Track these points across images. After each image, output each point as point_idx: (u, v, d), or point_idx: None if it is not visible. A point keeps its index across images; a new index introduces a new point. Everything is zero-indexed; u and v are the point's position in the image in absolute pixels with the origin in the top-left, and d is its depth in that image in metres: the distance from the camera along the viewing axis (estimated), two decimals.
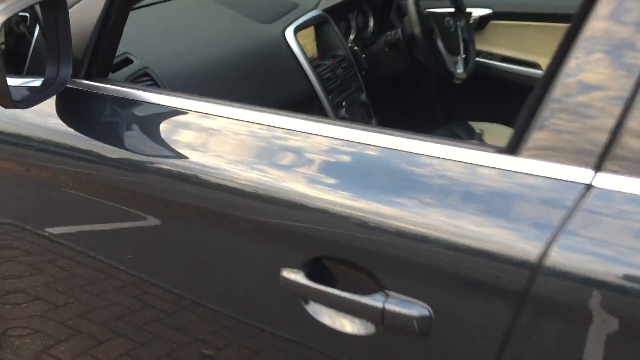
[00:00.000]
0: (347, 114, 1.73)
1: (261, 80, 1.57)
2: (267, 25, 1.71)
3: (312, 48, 1.88)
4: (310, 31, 1.86)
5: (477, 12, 2.27)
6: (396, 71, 2.06)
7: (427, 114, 2.43)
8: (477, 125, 2.21)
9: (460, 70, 1.98)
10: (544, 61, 2.21)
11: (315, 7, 1.89)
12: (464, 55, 2.03)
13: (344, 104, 1.77)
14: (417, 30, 1.83)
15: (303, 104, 1.70)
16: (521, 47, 2.26)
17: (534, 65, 2.22)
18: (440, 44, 1.93)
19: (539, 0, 2.26)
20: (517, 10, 2.24)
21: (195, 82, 1.43)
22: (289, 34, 1.69)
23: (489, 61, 2.29)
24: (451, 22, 2.01)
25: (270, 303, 0.93)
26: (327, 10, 1.89)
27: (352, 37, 2.13)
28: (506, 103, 2.52)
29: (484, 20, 2.29)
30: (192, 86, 1.41)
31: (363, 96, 1.87)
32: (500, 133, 2.18)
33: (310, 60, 1.72)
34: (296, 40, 1.69)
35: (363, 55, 1.98)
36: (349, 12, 2.07)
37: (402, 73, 2.10)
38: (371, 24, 2.23)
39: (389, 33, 1.97)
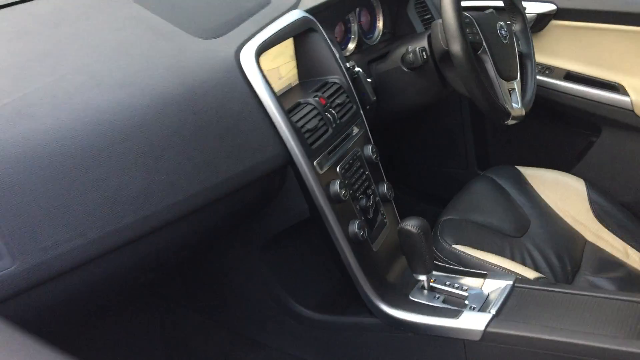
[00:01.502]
0: (342, 187, 1.05)
1: (196, 147, 0.88)
2: (211, 41, 1.02)
3: (288, 73, 1.19)
4: (286, 47, 1.16)
5: (533, 8, 1.58)
6: (418, 104, 1.38)
7: (459, 158, 1.75)
8: (527, 173, 1.54)
9: (517, 104, 1.29)
10: (629, 82, 1.53)
11: (294, 6, 1.19)
12: (519, 79, 1.34)
13: (337, 169, 1.09)
14: (456, 46, 1.14)
15: (270, 176, 1.01)
16: (595, 60, 1.57)
17: (614, 88, 1.53)
18: (490, 66, 1.24)
19: None
20: (592, 6, 1.54)
21: (58, 171, 0.74)
22: (247, 57, 1.00)
23: (548, 79, 1.60)
24: (504, 28, 1.31)
25: None
26: (314, 11, 1.19)
27: (352, 46, 1.43)
28: (570, 141, 1.84)
29: (542, 20, 1.59)
30: (48, 188, 0.72)
31: (369, 149, 1.18)
32: (562, 186, 1.51)
33: (280, 100, 1.03)
34: (259, 68, 0.99)
35: (368, 80, 1.28)
36: (349, 10, 1.36)
37: (426, 106, 1.41)
38: (380, 24, 1.53)
39: (409, 49, 1.28)
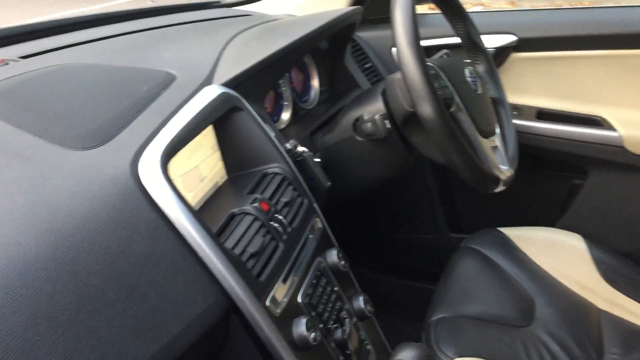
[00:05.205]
0: (310, 327, 0.74)
1: (79, 331, 0.56)
2: (93, 151, 0.70)
3: (212, 169, 0.88)
4: (204, 136, 0.86)
5: (490, 42, 1.34)
6: (379, 179, 1.10)
7: (427, 222, 1.48)
8: (514, 235, 1.29)
9: (503, 165, 1.04)
10: (613, 113, 1.31)
11: (207, 81, 0.89)
12: (499, 132, 1.09)
13: (299, 299, 0.78)
14: (427, 108, 0.87)
15: (205, 336, 0.69)
16: (568, 92, 1.35)
17: (596, 123, 1.31)
18: (468, 125, 0.98)
19: (592, 16, 1.35)
20: (558, 33, 1.33)
21: None
22: (150, 167, 0.68)
23: (518, 121, 1.36)
24: (473, 74, 1.06)
25: None
26: (234, 83, 0.89)
27: (286, 115, 1.14)
28: (551, 189, 1.62)
29: (501, 54, 1.36)
30: None
31: (333, 255, 0.88)
32: (558, 247, 1.26)
33: (205, 217, 0.72)
34: (168, 181, 0.68)
35: (317, 160, 0.99)
36: (280, 74, 1.08)
37: (389, 179, 1.14)
38: (315, 83, 1.25)
39: (365, 117, 1.00)
